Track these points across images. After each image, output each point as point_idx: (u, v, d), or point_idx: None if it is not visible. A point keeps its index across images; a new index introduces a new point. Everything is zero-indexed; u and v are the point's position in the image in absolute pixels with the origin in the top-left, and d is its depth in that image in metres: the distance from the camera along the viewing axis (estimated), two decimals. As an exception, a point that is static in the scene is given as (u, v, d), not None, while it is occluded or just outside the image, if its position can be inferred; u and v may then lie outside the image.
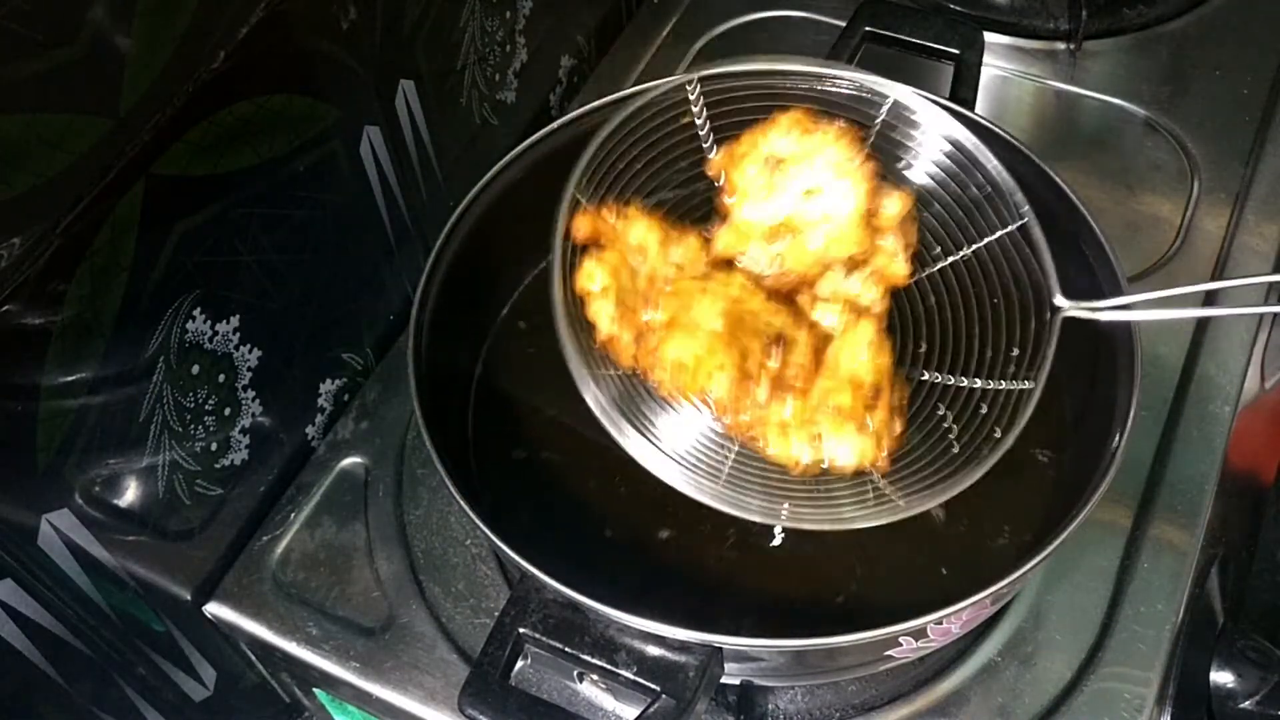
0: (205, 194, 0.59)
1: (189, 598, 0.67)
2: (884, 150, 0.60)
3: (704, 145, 0.60)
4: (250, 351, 0.66)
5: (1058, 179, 0.62)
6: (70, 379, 0.54)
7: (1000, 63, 0.91)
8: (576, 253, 0.56)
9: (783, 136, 0.56)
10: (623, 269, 0.56)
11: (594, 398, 0.53)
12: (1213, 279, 0.77)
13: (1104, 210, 0.80)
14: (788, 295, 0.58)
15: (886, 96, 0.59)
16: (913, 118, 0.59)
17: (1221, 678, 0.67)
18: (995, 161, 0.58)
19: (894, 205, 0.57)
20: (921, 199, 0.60)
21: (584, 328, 0.55)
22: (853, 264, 0.58)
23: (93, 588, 0.60)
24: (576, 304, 0.55)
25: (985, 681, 0.63)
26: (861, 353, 0.55)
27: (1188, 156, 0.85)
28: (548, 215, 0.69)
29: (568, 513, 0.65)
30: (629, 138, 0.58)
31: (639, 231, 0.57)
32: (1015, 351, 0.57)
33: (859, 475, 0.54)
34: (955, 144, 0.59)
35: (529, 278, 0.74)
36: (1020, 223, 0.58)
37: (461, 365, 0.71)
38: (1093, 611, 0.64)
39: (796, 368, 0.54)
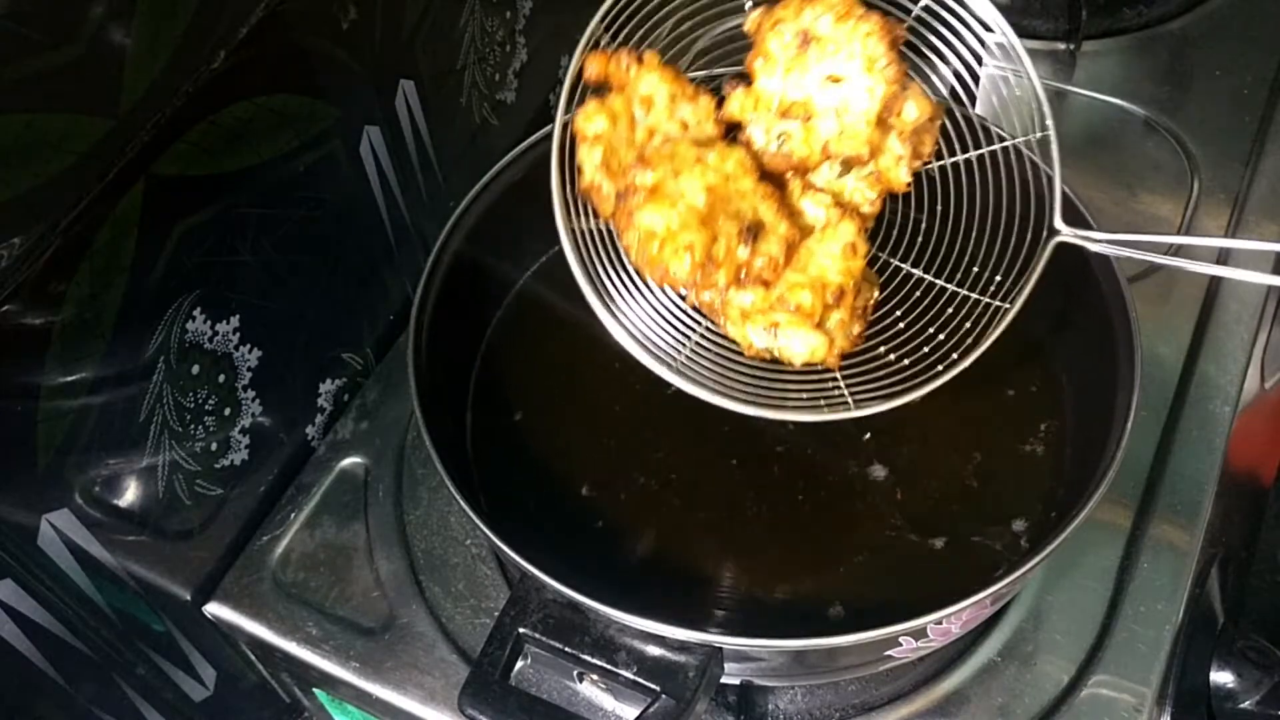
0: (205, 194, 0.59)
1: (189, 598, 0.67)
2: (921, 40, 0.58)
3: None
4: (250, 351, 0.66)
5: (1057, 179, 0.62)
6: (70, 379, 0.54)
7: (1000, 63, 0.91)
8: (586, 91, 0.56)
9: (822, 15, 0.55)
10: (624, 118, 0.55)
11: (567, 243, 0.54)
12: (1212, 279, 0.77)
13: (1104, 210, 0.80)
14: (780, 178, 0.57)
15: None
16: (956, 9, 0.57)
17: (1221, 678, 0.67)
18: (1031, 67, 0.56)
19: (913, 111, 0.56)
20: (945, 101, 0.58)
21: (573, 169, 0.55)
22: (854, 161, 0.57)
23: (93, 588, 0.60)
24: (572, 142, 0.55)
25: (985, 681, 0.63)
26: (835, 253, 0.54)
27: (1188, 156, 0.85)
28: (548, 215, 0.69)
29: (568, 512, 0.65)
30: None
31: (650, 82, 0.56)
32: (1000, 270, 0.57)
33: (813, 371, 0.54)
34: (997, 42, 0.57)
35: (529, 277, 0.74)
36: (1042, 134, 0.56)
37: (461, 365, 0.71)
38: (1093, 611, 0.64)
39: (766, 258, 0.53)
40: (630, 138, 0.56)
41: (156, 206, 0.55)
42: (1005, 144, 0.58)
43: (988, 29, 0.57)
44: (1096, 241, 0.55)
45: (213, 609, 0.68)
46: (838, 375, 0.55)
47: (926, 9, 0.57)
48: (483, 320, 0.73)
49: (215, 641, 0.70)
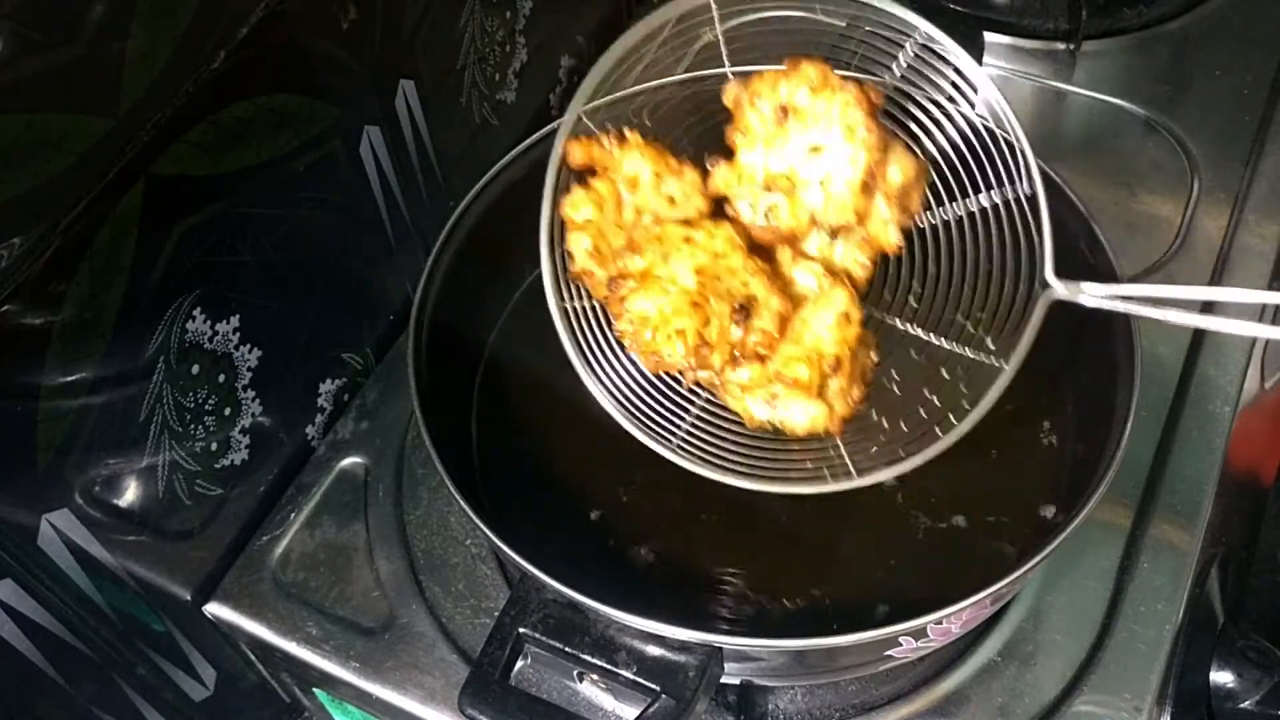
0: (205, 194, 0.59)
1: (189, 598, 0.67)
2: (902, 93, 0.58)
3: (725, 73, 0.59)
4: (250, 351, 0.66)
5: (1057, 179, 0.62)
6: (70, 379, 0.54)
7: (1000, 63, 0.91)
8: (572, 175, 0.56)
9: (798, 88, 0.54)
10: (610, 201, 0.56)
11: (560, 325, 0.54)
12: (1212, 279, 0.77)
13: (1103, 210, 0.80)
14: (770, 249, 0.57)
15: (915, 28, 0.56)
16: (938, 64, 0.57)
17: (1221, 678, 0.67)
18: (1016, 122, 0.55)
19: (898, 173, 0.55)
20: (928, 153, 0.58)
21: (564, 252, 0.56)
22: (842, 229, 0.57)
23: (93, 588, 0.60)
24: (561, 227, 0.56)
25: (985, 681, 0.63)
26: (829, 322, 0.54)
27: (1187, 156, 0.85)
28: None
29: (568, 512, 0.65)
30: (642, 60, 0.57)
31: (634, 162, 0.56)
32: (989, 328, 0.56)
33: (814, 439, 0.54)
34: (981, 98, 0.56)
35: (529, 277, 0.74)
36: (1029, 192, 0.55)
37: (461, 365, 0.71)
38: (1093, 612, 0.64)
39: (760, 334, 0.54)
40: (619, 219, 0.56)
41: (156, 206, 0.55)
42: (994, 200, 0.57)
43: (974, 89, 0.56)
44: (1092, 296, 0.54)
45: (213, 609, 0.68)
46: (839, 442, 0.54)
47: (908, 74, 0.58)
48: (484, 320, 0.73)
49: (215, 641, 0.70)
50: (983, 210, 0.58)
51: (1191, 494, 0.68)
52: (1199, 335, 0.75)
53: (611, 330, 0.56)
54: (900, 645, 0.54)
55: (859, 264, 0.57)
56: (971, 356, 0.56)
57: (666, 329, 0.52)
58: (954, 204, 0.59)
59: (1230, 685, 0.67)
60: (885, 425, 0.55)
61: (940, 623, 0.52)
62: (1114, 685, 0.62)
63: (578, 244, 0.55)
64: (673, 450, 0.54)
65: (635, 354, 0.54)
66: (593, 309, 0.57)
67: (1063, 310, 0.65)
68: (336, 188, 0.69)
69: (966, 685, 0.63)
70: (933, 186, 0.58)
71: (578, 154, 0.56)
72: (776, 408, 0.54)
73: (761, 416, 0.54)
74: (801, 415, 0.53)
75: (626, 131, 0.57)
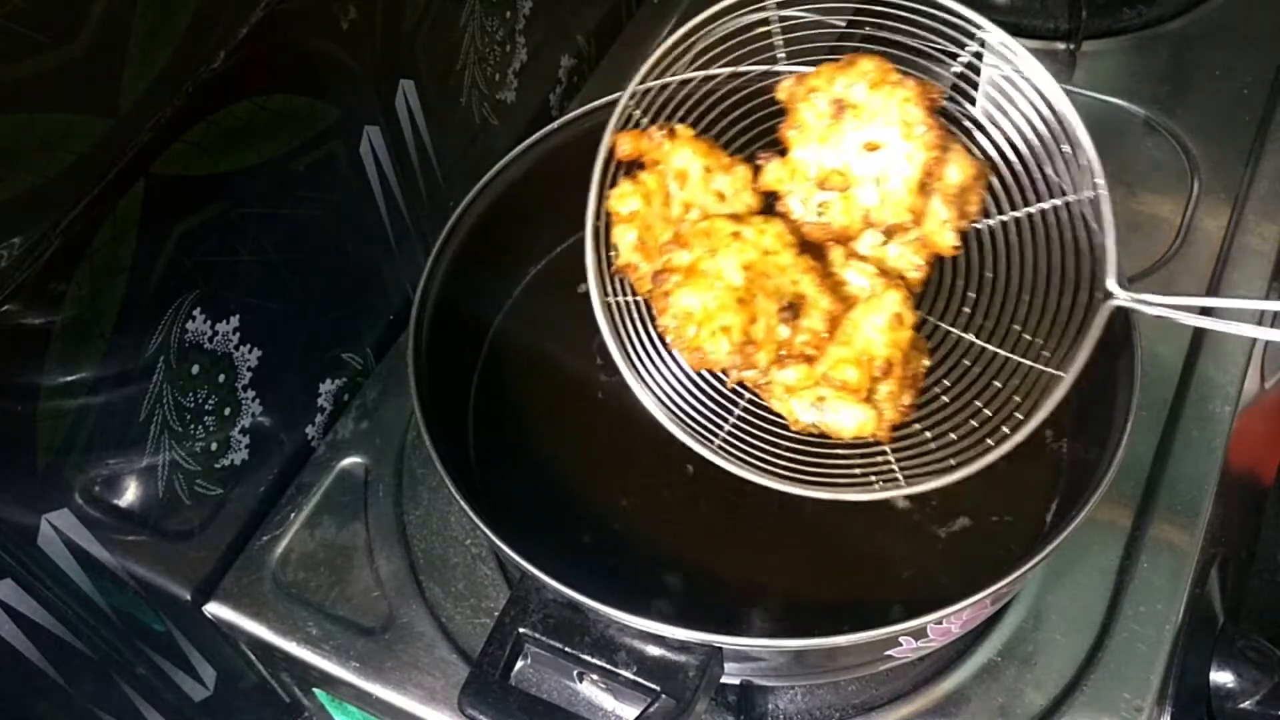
0: (205, 194, 0.59)
1: (189, 598, 0.67)
2: (962, 95, 0.56)
3: (779, 71, 0.58)
4: (250, 351, 0.66)
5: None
6: (70, 379, 0.54)
7: (1000, 62, 0.91)
8: (620, 167, 0.55)
9: (855, 83, 0.53)
10: (658, 194, 0.54)
11: (603, 321, 0.53)
12: (1213, 279, 0.77)
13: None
14: (821, 248, 0.56)
15: (980, 28, 0.55)
16: (1000, 64, 0.55)
17: (1221, 678, 0.67)
18: (1081, 125, 0.53)
19: (956, 173, 0.54)
20: (989, 156, 0.56)
21: (609, 245, 0.54)
22: (897, 229, 0.55)
23: (93, 588, 0.60)
24: (607, 219, 0.54)
25: (985, 681, 0.63)
26: (881, 325, 0.52)
27: (1188, 156, 0.84)
28: (548, 215, 0.70)
29: (568, 512, 0.65)
30: (697, 52, 0.56)
31: (684, 156, 0.55)
32: (1047, 335, 0.54)
33: (861, 444, 0.53)
34: (1044, 100, 0.54)
35: (529, 277, 0.74)
36: (1094, 194, 0.54)
37: (461, 365, 0.71)
38: (1093, 611, 0.64)
39: (809, 334, 0.52)
40: (666, 214, 0.55)
41: (156, 206, 0.55)
42: (1055, 202, 0.55)
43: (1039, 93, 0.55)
44: (1154, 305, 0.52)
45: (213, 609, 0.68)
46: (887, 449, 0.53)
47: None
48: (484, 320, 0.73)
49: (215, 641, 0.70)
50: (1043, 214, 0.56)
51: (1192, 494, 0.68)
52: (1199, 335, 0.75)
53: (654, 326, 0.54)
54: (900, 645, 0.54)
55: (913, 265, 0.55)
56: (1029, 364, 0.54)
57: (711, 325, 0.51)
58: (1012, 208, 0.57)
59: (1230, 685, 0.67)
60: (933, 433, 0.54)
61: (940, 623, 0.52)
62: (1114, 685, 0.62)
63: (623, 237, 0.54)
64: (714, 451, 0.53)
65: (678, 351, 0.53)
66: (636, 305, 0.55)
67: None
68: (336, 188, 0.69)
69: (967, 685, 0.63)
70: (991, 189, 0.57)
71: (626, 146, 0.55)
72: (824, 411, 0.52)
73: (807, 419, 0.53)
74: (849, 419, 0.52)
75: (677, 125, 0.56)
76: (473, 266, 0.68)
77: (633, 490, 0.66)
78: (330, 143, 0.67)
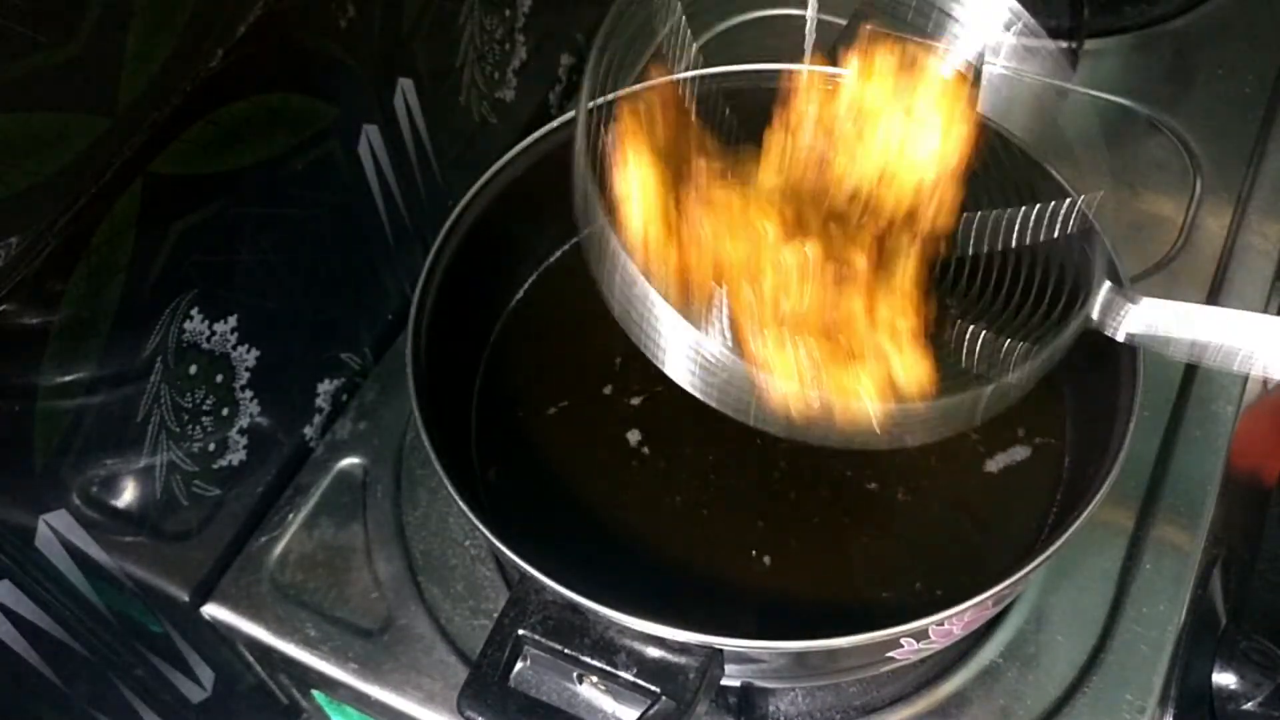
0: (203, 193, 0.59)
1: (187, 599, 0.67)
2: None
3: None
4: (248, 351, 0.65)
5: (1058, 178, 0.62)
6: (68, 379, 0.54)
7: (1000, 61, 0.91)
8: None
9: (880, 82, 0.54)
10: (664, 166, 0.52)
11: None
12: (1215, 279, 0.77)
13: (1105, 210, 0.79)
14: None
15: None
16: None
17: (1224, 679, 0.67)
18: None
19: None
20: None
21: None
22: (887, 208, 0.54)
23: (90, 589, 0.59)
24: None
25: (987, 683, 0.63)
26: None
27: (1190, 155, 0.84)
28: (548, 214, 0.69)
29: (568, 513, 0.65)
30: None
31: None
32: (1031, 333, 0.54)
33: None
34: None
35: (529, 277, 0.74)
36: (1082, 227, 0.55)
37: (461, 365, 0.70)
38: (1095, 613, 0.64)
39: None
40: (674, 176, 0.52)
41: (154, 206, 0.55)
42: (1043, 230, 0.56)
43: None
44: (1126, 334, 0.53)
45: (210, 610, 0.68)
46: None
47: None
48: (483, 320, 0.73)
49: (213, 643, 0.70)
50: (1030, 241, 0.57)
51: (1194, 494, 0.68)
52: (1201, 335, 0.74)
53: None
54: (901, 647, 0.54)
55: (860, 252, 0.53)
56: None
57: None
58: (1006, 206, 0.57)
59: (1233, 687, 0.67)
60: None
61: (942, 624, 0.52)
62: (1116, 687, 0.61)
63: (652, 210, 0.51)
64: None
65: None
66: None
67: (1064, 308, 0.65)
68: (335, 187, 0.69)
69: (968, 687, 0.63)
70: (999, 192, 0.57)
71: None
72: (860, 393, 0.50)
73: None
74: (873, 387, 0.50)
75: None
76: (472, 266, 0.68)
77: (634, 490, 0.65)
78: (328, 142, 0.67)
